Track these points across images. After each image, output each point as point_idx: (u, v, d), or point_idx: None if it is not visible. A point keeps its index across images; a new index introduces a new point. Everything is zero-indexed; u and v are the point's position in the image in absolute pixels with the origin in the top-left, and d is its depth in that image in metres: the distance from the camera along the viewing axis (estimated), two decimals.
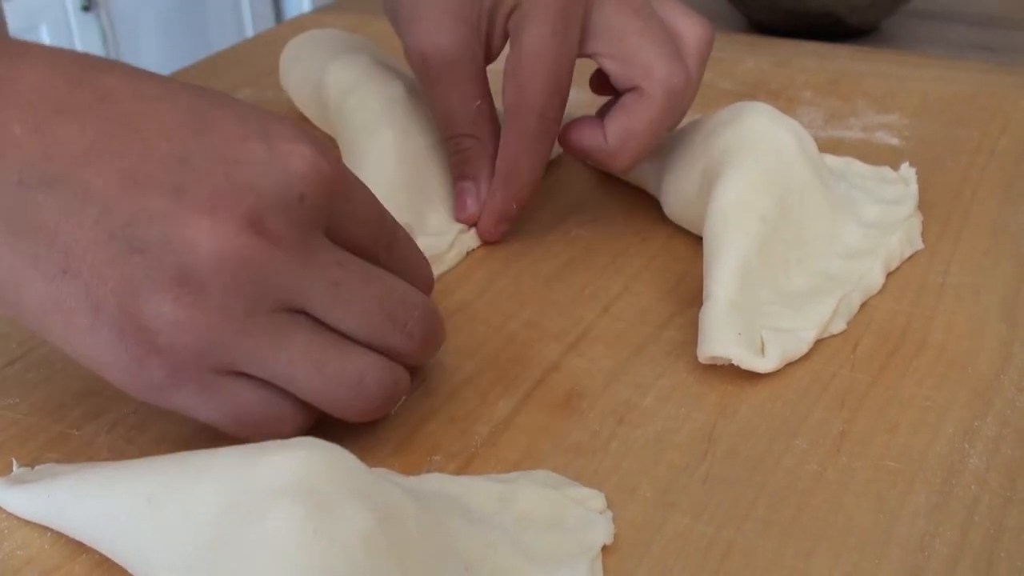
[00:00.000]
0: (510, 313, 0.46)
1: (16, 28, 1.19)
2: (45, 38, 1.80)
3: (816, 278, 0.45)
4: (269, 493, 0.29)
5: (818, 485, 0.36)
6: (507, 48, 0.48)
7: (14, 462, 0.38)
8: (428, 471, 0.37)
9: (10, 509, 0.36)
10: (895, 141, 0.60)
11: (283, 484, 0.30)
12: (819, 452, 0.38)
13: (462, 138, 0.49)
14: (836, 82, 0.68)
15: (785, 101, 0.65)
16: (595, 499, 0.35)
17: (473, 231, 0.50)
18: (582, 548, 0.33)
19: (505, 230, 0.50)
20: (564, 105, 0.48)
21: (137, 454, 0.38)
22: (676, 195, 0.50)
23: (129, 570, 0.32)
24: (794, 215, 0.46)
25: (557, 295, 0.47)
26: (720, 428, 0.39)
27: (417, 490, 0.34)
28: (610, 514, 0.35)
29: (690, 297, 0.46)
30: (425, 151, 0.51)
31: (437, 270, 0.48)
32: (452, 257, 0.49)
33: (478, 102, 0.48)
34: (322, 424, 0.40)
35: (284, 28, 0.81)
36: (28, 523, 0.35)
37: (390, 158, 0.50)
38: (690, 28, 0.49)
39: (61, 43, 1.63)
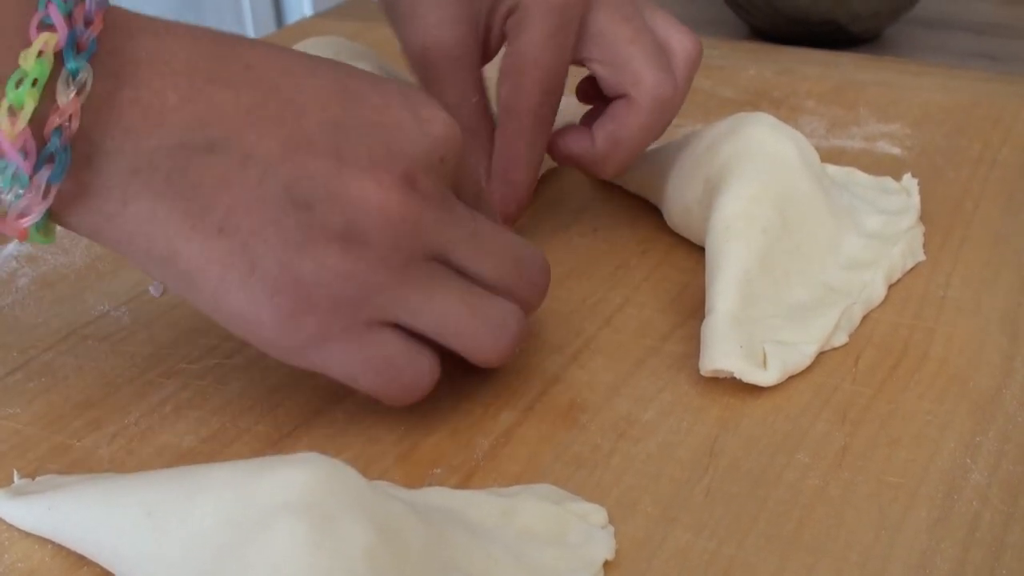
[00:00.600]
0: None
1: None
2: None
3: (818, 290, 0.45)
4: (271, 508, 0.29)
5: (820, 500, 0.36)
6: (502, 50, 0.49)
7: (15, 473, 0.38)
8: (430, 484, 0.37)
9: (11, 521, 0.36)
10: (897, 151, 0.60)
11: (285, 499, 0.30)
12: (821, 466, 0.38)
13: None
14: (839, 91, 0.68)
15: (787, 110, 0.65)
16: (597, 514, 0.35)
17: None
18: (584, 563, 0.33)
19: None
20: (558, 106, 0.49)
21: (138, 465, 0.39)
22: (678, 205, 0.50)
23: None
24: (796, 226, 0.46)
25: (559, 306, 0.47)
26: (722, 442, 0.39)
27: (419, 503, 0.34)
28: (612, 529, 0.35)
29: (692, 309, 0.46)
30: None
31: None
32: None
33: (475, 98, 0.49)
34: (326, 435, 0.40)
35: (285, 33, 0.81)
36: (29, 535, 0.35)
37: None
38: (679, 41, 0.49)
39: None
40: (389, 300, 0.36)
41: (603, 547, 0.34)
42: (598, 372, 0.43)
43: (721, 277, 0.44)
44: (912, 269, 0.49)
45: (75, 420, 0.41)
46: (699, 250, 0.48)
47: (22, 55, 0.32)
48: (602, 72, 0.49)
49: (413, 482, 0.37)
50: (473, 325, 0.38)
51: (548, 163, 0.53)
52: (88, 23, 0.33)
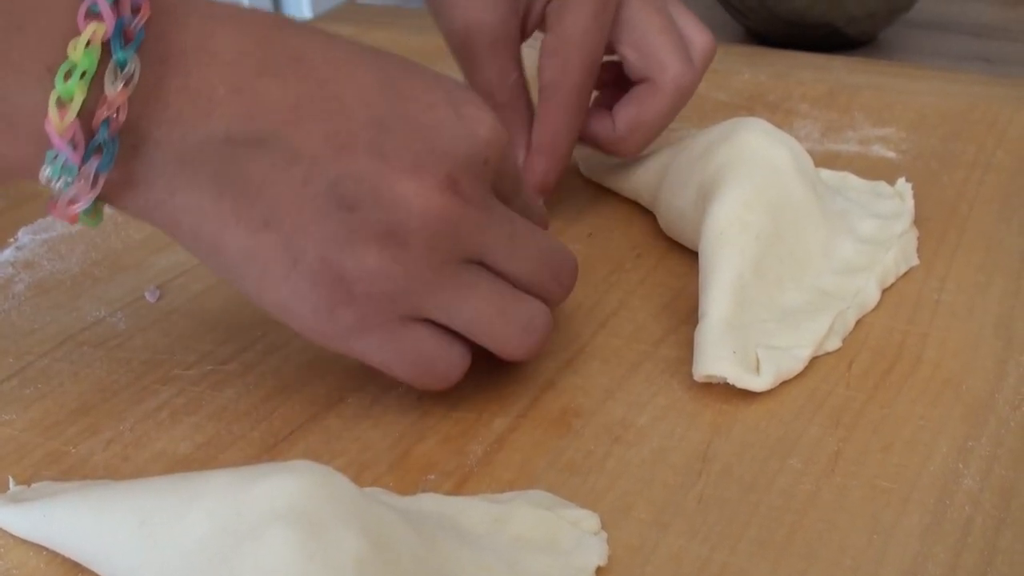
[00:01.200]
0: None
1: None
2: None
3: (811, 294, 0.46)
4: (262, 516, 0.30)
5: (812, 505, 0.36)
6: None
7: (10, 480, 0.38)
8: (423, 490, 0.37)
9: (6, 527, 0.36)
10: (891, 155, 0.60)
11: (277, 508, 0.30)
12: (814, 471, 0.38)
13: (501, 109, 0.52)
14: (833, 94, 0.68)
15: (782, 114, 0.65)
16: (589, 520, 0.35)
17: None
18: (576, 570, 0.33)
19: (544, 200, 0.53)
20: (594, 84, 0.52)
21: (133, 471, 0.39)
22: (672, 210, 0.51)
23: None
24: (789, 231, 0.46)
25: (553, 312, 0.47)
26: (715, 447, 0.39)
27: (411, 511, 0.34)
28: (604, 535, 0.35)
29: (686, 314, 0.46)
30: None
31: None
32: None
33: (515, 75, 0.52)
34: (320, 440, 0.40)
35: None
36: (24, 542, 0.35)
37: None
38: (698, 36, 0.53)
39: None
40: (423, 299, 0.37)
41: (596, 554, 0.34)
42: (592, 377, 0.43)
43: (714, 282, 0.44)
44: (906, 273, 0.49)
45: (71, 426, 0.41)
46: (693, 255, 0.48)
47: (71, 45, 0.33)
48: (631, 56, 0.52)
49: (406, 488, 0.37)
50: (503, 326, 0.39)
51: None
52: (136, 10, 0.34)
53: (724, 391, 0.41)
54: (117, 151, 0.34)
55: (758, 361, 0.41)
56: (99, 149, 0.33)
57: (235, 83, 0.35)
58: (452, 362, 0.39)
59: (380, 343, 0.38)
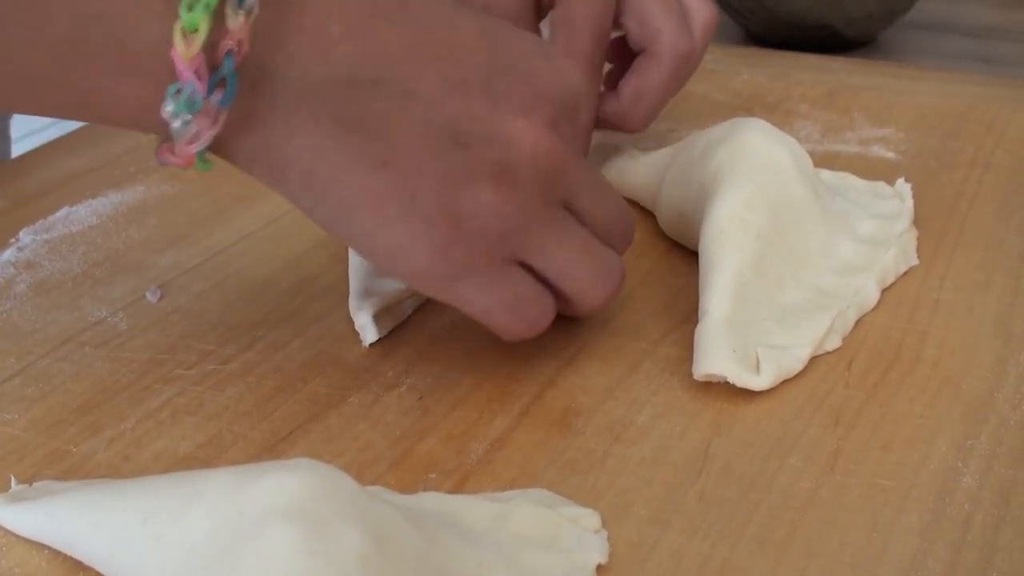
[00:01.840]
0: None
1: None
2: None
3: (811, 294, 0.46)
4: (264, 514, 0.30)
5: (812, 503, 0.36)
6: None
7: (12, 479, 0.38)
8: (424, 489, 0.37)
9: (8, 526, 0.36)
10: (891, 155, 0.60)
11: (278, 505, 0.30)
12: (813, 470, 0.38)
13: None
14: (832, 95, 0.68)
15: (782, 115, 0.65)
16: (590, 518, 0.35)
17: None
18: (577, 567, 0.33)
19: None
20: (605, 56, 0.52)
21: (135, 471, 0.39)
22: (672, 210, 0.51)
23: None
24: (789, 231, 0.46)
25: None
26: (715, 446, 0.39)
27: (412, 509, 0.34)
28: (605, 533, 0.35)
29: (686, 313, 0.46)
30: None
31: None
32: None
33: None
34: (321, 440, 0.40)
35: None
36: (27, 540, 0.35)
37: None
38: (698, 7, 0.53)
39: None
40: (526, 238, 0.39)
41: (596, 551, 0.34)
42: (592, 376, 0.43)
43: (714, 281, 0.44)
44: (905, 273, 0.49)
45: (72, 426, 0.41)
46: (693, 255, 0.48)
47: None
48: (630, 26, 0.52)
49: (407, 487, 0.37)
50: (589, 270, 0.41)
51: None
52: None
53: (724, 390, 0.41)
54: (238, 87, 0.34)
55: (758, 360, 0.42)
56: (221, 83, 0.34)
57: (349, 24, 0.36)
58: (543, 309, 0.40)
59: (484, 286, 0.39)
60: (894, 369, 0.43)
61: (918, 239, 0.51)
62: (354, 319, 0.45)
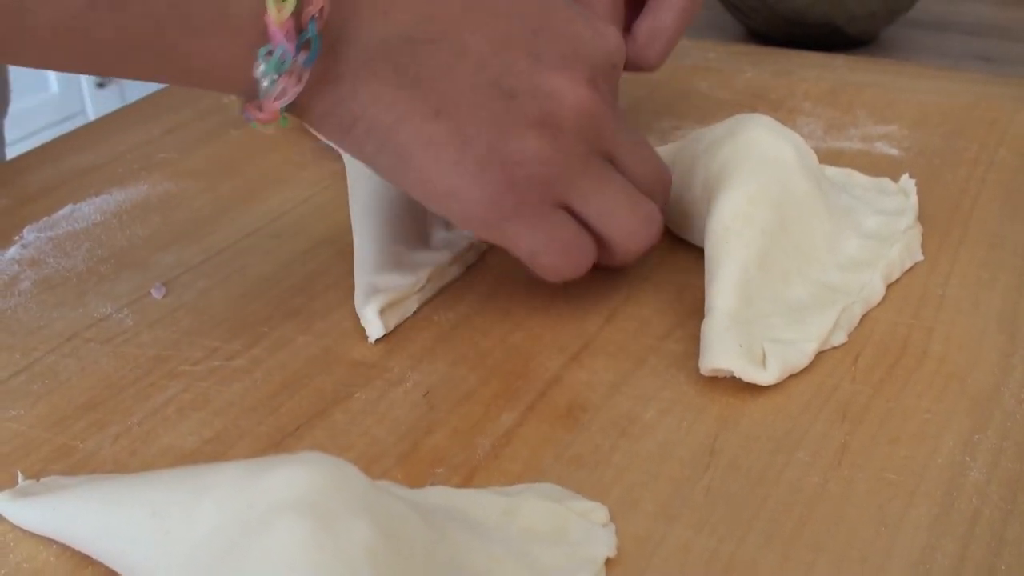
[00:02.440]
0: (513, 325, 0.46)
1: None
2: None
3: (817, 289, 0.46)
4: (273, 507, 0.30)
5: (820, 498, 0.36)
6: None
7: (19, 474, 0.38)
8: (432, 484, 0.37)
9: (16, 521, 0.36)
10: (895, 152, 0.60)
11: (287, 498, 0.30)
12: (820, 465, 0.38)
13: None
14: (835, 92, 0.68)
15: (785, 112, 0.65)
16: (598, 512, 0.35)
17: (475, 246, 0.51)
18: (585, 561, 0.33)
19: None
20: (624, 7, 0.54)
21: (141, 467, 0.39)
22: (677, 207, 0.51)
23: None
24: (794, 227, 0.46)
25: (559, 306, 0.47)
26: (722, 441, 0.39)
27: (421, 503, 0.34)
28: (613, 527, 0.35)
29: (691, 308, 0.46)
30: None
31: (440, 283, 0.48)
32: (454, 270, 0.49)
33: None
34: (328, 435, 0.40)
35: None
36: (34, 535, 0.36)
37: None
38: None
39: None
40: (571, 184, 0.42)
41: (604, 545, 0.34)
42: (598, 372, 0.43)
43: (720, 277, 0.44)
44: (910, 269, 0.49)
45: (78, 422, 0.41)
46: (698, 251, 0.48)
47: None
48: None
49: (415, 482, 0.37)
50: (630, 216, 0.44)
51: None
52: None
53: (730, 385, 0.41)
54: (320, 48, 0.38)
55: (764, 355, 0.42)
56: (306, 45, 0.38)
57: None
58: (585, 250, 0.43)
59: (531, 227, 0.42)
60: (900, 364, 0.43)
61: (923, 235, 0.51)
62: (360, 315, 0.45)
